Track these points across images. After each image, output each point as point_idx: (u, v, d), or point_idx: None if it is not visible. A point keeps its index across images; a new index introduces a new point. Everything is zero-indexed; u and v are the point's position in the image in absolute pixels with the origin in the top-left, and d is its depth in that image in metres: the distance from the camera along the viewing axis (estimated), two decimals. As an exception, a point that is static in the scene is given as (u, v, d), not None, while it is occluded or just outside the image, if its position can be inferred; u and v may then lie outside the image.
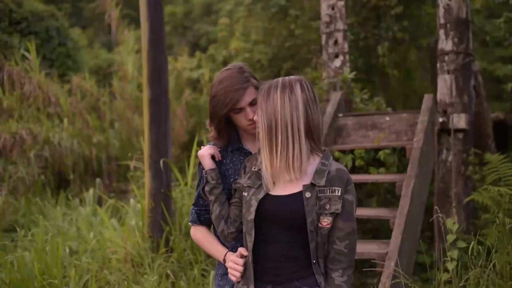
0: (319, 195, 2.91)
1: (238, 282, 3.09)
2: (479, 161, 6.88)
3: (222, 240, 3.22)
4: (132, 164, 7.77)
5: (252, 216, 2.96)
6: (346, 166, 6.44)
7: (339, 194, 2.91)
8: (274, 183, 3.00)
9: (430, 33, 11.29)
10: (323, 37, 7.32)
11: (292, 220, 2.91)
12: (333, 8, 7.25)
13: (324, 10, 7.31)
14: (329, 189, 2.91)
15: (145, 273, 6.11)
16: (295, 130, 2.87)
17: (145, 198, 6.88)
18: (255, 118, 3.06)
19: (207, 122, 3.33)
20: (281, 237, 2.96)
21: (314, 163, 3.01)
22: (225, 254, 3.20)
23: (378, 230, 6.96)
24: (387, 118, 6.68)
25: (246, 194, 3.03)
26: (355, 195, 3.04)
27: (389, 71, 11.01)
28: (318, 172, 2.93)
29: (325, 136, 6.54)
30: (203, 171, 3.21)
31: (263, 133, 2.92)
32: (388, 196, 7.06)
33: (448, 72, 6.60)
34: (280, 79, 2.97)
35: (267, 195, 2.97)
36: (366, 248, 5.31)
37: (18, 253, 6.24)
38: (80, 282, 5.94)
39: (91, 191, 8.71)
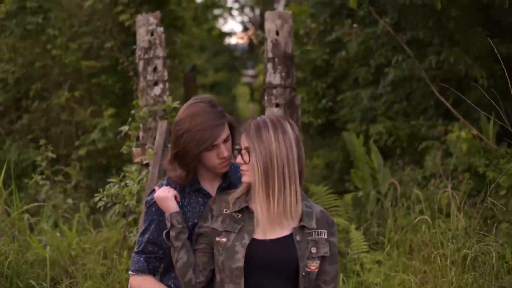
0: (307, 238, 2.81)
1: None
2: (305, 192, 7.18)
3: None
4: None
5: (240, 264, 2.75)
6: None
7: (326, 236, 2.85)
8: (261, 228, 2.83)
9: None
10: (141, 63, 6.99)
11: (283, 265, 2.77)
12: (152, 34, 6.97)
13: (142, 35, 6.99)
14: (315, 231, 2.83)
15: None
16: (291, 172, 2.73)
17: None
18: (239, 160, 2.84)
19: (167, 160, 3.01)
20: (270, 285, 2.80)
21: None
22: None
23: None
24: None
25: (225, 240, 2.81)
26: (337, 237, 3.02)
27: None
28: (306, 214, 2.83)
29: (152, 168, 6.24)
30: (170, 214, 2.91)
31: (258, 176, 2.73)
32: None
33: (277, 105, 6.78)
34: (265, 117, 2.82)
35: (253, 240, 2.79)
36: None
37: None
38: None
39: None
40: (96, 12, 11.01)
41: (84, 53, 11.04)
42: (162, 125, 6.62)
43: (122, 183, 6.47)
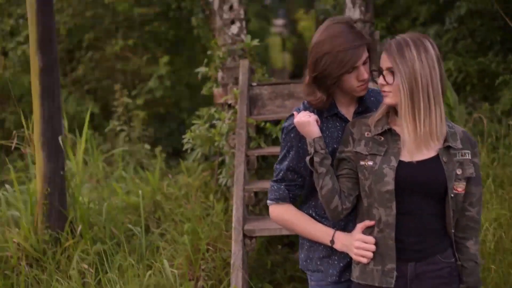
0: (453, 159, 2.72)
1: (367, 264, 2.78)
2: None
3: (331, 218, 2.85)
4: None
5: (390, 187, 2.67)
6: (276, 138, 6.17)
7: (470, 157, 2.76)
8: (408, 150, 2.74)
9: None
10: (216, 1, 6.89)
11: (432, 187, 2.70)
12: (226, -28, 6.85)
13: (217, -26, 6.87)
14: (459, 152, 2.74)
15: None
16: (436, 91, 2.63)
17: (36, 182, 5.86)
18: (382, 81, 2.72)
19: (305, 84, 2.92)
20: (419, 207, 2.73)
21: None
22: (333, 235, 2.86)
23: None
24: (305, 87, 6.50)
25: (371, 163, 2.73)
26: (479, 158, 2.91)
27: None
28: (450, 135, 2.75)
29: (240, 106, 6.18)
30: (313, 139, 2.79)
31: (404, 97, 2.63)
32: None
33: (358, 40, 6.65)
34: (404, 36, 2.69)
35: (401, 162, 2.70)
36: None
37: None
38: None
39: None
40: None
41: (135, 0, 10.89)
42: (244, 64, 6.53)
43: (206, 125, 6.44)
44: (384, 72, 2.70)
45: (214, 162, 7.12)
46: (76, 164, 6.29)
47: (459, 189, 2.71)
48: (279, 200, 2.95)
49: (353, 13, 6.71)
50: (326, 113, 2.92)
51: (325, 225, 2.91)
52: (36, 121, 5.85)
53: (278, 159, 3.00)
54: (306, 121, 2.79)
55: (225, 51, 6.73)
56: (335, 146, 2.89)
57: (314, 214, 2.98)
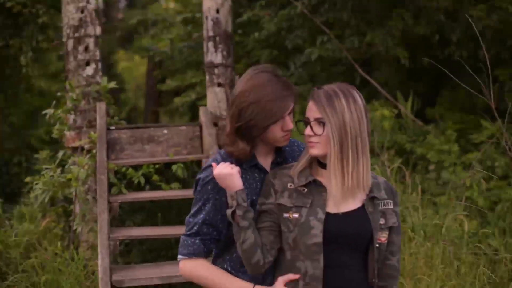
0: (378, 209, 2.75)
1: None
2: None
3: (252, 272, 2.74)
4: None
5: (318, 239, 2.62)
6: (138, 183, 5.94)
7: (392, 206, 2.81)
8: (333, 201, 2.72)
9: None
10: (70, 42, 6.53)
11: (358, 238, 2.70)
12: (82, 11, 6.53)
13: (71, 12, 6.53)
14: (382, 202, 2.77)
15: None
16: (364, 142, 2.63)
17: None
18: (309, 132, 2.65)
19: (226, 134, 2.83)
20: (344, 259, 2.71)
21: None
22: None
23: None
24: (165, 131, 6.35)
25: (296, 215, 2.67)
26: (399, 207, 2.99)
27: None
28: (374, 185, 2.75)
29: (99, 151, 5.90)
30: (236, 192, 2.65)
31: (334, 149, 2.59)
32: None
33: (219, 85, 6.62)
34: (332, 86, 2.67)
35: (327, 214, 2.67)
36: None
37: None
38: None
39: None
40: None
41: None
42: (101, 107, 6.26)
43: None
44: (312, 123, 2.61)
45: (59, 208, 6.75)
46: None
47: (383, 239, 2.69)
48: (193, 255, 2.75)
49: (215, 57, 6.66)
50: (245, 164, 2.78)
51: (242, 279, 2.75)
52: None
53: (191, 212, 2.79)
54: (229, 173, 2.62)
55: (79, 93, 6.39)
56: (254, 198, 2.76)
57: (229, 269, 2.82)
